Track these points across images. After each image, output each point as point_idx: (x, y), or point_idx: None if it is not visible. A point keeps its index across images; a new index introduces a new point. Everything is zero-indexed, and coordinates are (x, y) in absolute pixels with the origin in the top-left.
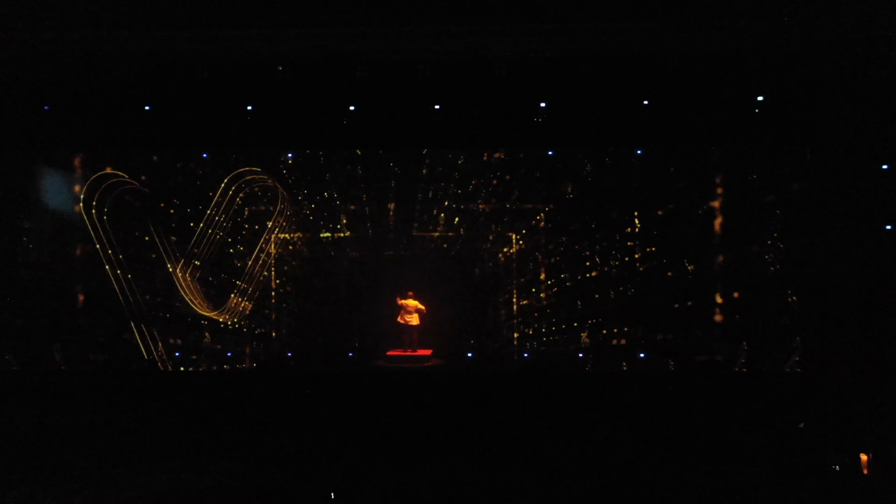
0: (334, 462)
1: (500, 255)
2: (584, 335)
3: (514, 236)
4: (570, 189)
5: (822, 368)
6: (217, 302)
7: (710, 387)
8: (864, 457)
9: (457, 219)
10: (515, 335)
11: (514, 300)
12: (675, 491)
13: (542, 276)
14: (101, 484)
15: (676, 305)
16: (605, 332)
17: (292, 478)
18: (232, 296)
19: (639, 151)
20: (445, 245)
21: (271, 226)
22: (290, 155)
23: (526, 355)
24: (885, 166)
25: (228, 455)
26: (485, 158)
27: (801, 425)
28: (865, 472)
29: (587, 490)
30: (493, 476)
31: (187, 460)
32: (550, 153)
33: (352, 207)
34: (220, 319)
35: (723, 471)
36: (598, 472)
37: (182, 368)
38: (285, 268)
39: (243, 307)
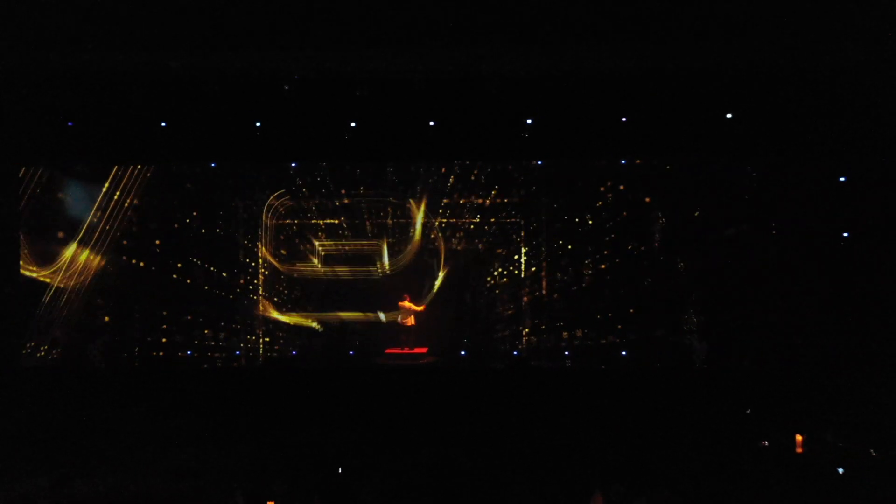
0: (339, 448)
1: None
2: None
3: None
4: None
5: (773, 363)
6: None
7: (678, 381)
8: (798, 437)
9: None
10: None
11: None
12: (644, 471)
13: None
14: (135, 464)
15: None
16: (584, 331)
17: (301, 461)
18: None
19: (623, 161)
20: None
21: None
22: (293, 164)
23: (515, 353)
24: (842, 178)
25: (246, 440)
26: (475, 173)
27: (748, 411)
28: (799, 450)
29: (568, 474)
30: (484, 462)
31: (213, 442)
32: (539, 162)
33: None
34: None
35: (689, 454)
36: (579, 458)
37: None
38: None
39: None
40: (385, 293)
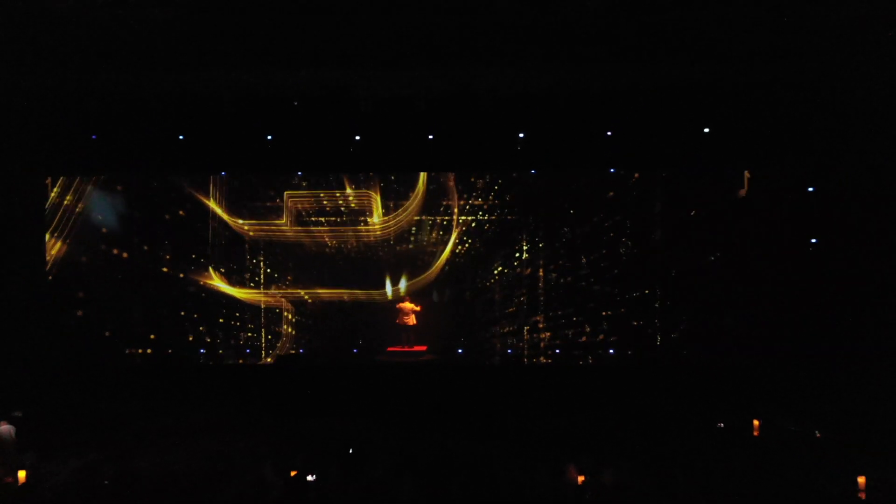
0: (349, 434)
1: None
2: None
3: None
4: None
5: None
6: None
7: (650, 373)
8: (756, 422)
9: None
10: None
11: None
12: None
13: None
14: (180, 446)
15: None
16: (571, 330)
17: (317, 443)
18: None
19: (612, 170)
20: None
21: None
22: (299, 173)
23: (510, 351)
24: (810, 188)
25: (267, 428)
26: (472, 180)
27: (720, 425)
28: (756, 433)
29: (551, 455)
30: (477, 448)
31: (239, 430)
32: (533, 171)
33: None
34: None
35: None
36: (560, 438)
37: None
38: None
39: None
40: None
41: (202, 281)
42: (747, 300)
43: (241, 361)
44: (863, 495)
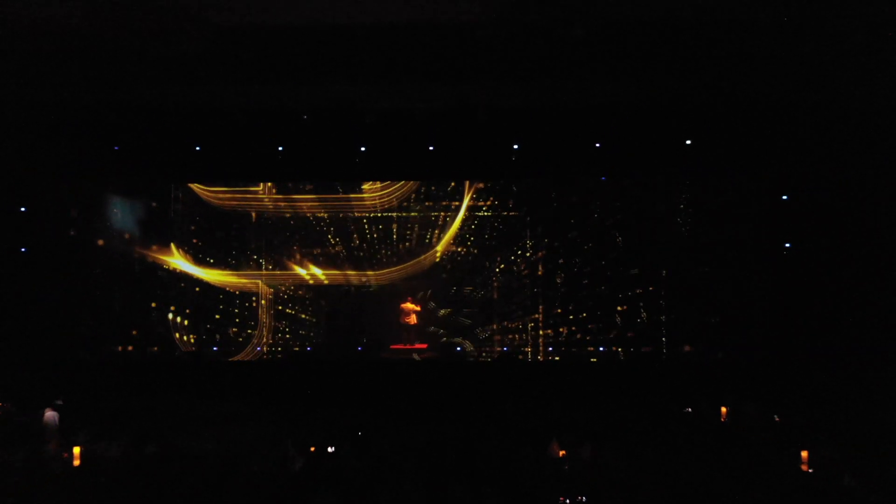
0: (354, 423)
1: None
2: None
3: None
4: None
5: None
6: None
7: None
8: (723, 409)
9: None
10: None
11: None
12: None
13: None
14: (208, 431)
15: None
16: (563, 329)
17: (319, 435)
18: None
19: (603, 178)
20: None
21: None
22: (308, 182)
23: (506, 349)
24: (784, 197)
25: (283, 417)
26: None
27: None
28: (723, 419)
29: (537, 436)
30: (471, 431)
31: (260, 419)
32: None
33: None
34: None
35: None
36: (545, 420)
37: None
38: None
39: None
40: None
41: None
42: (724, 301)
43: (263, 356)
44: (805, 467)
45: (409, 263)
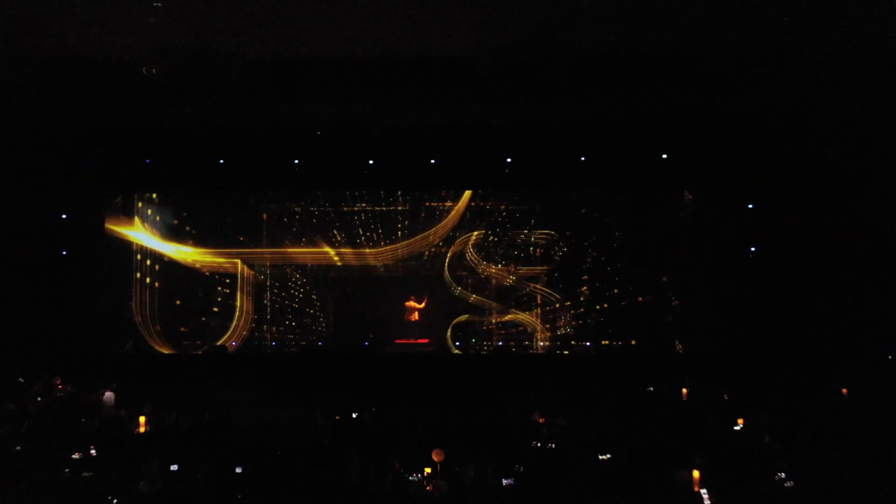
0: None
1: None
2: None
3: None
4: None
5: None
6: None
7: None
8: (684, 391)
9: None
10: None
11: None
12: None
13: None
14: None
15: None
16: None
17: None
18: None
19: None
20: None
21: None
22: (319, 193)
23: (500, 343)
24: (750, 206)
25: (304, 400)
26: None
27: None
28: (685, 398)
29: (523, 411)
30: (469, 420)
31: (285, 401)
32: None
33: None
34: None
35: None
36: (533, 403)
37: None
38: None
39: None
40: None
41: None
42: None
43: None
44: (737, 428)
45: (411, 240)
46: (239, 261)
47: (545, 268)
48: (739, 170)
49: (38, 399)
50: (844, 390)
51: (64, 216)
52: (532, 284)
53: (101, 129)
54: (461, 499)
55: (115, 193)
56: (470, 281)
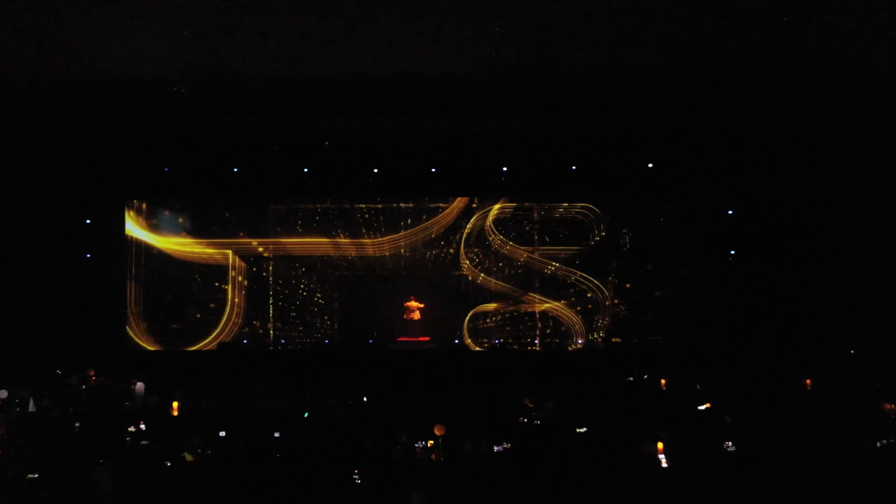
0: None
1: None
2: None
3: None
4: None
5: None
6: None
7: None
8: (663, 381)
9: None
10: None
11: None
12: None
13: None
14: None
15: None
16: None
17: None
18: None
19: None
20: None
21: None
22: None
23: (497, 341)
24: (730, 212)
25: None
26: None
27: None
28: (664, 388)
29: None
30: (466, 409)
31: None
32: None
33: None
34: None
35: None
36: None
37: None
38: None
39: None
40: None
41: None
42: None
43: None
44: (702, 410)
45: (414, 229)
46: (230, 251)
47: (581, 248)
48: (722, 179)
49: (83, 387)
50: (808, 381)
51: (88, 221)
52: (565, 267)
53: (122, 139)
54: (459, 464)
55: (136, 199)
56: (487, 264)
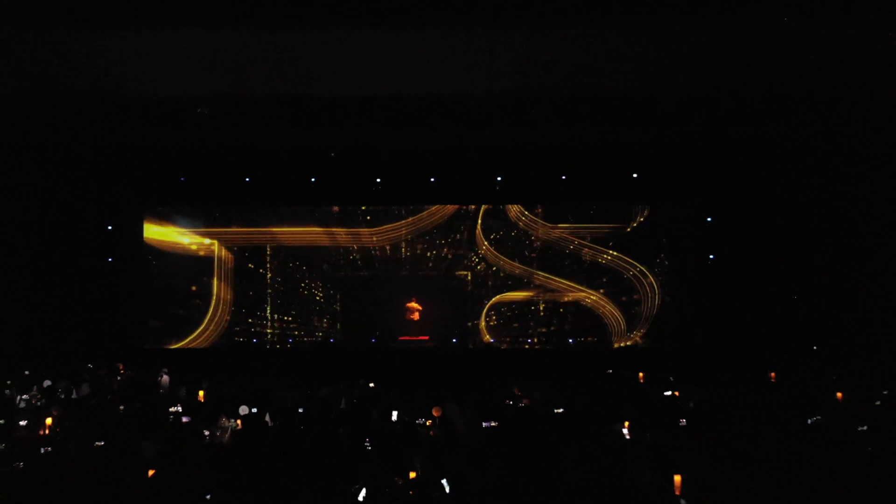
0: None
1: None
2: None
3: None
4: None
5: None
6: None
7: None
8: (641, 375)
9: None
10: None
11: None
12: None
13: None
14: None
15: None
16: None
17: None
18: None
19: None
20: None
21: None
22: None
23: (492, 340)
24: (709, 219)
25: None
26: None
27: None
28: (641, 381)
29: (518, 411)
30: (460, 392)
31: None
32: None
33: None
34: None
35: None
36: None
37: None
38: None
39: None
40: None
41: None
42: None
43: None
44: (677, 395)
45: (412, 218)
46: (216, 241)
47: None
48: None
49: (118, 378)
50: (773, 374)
51: (109, 227)
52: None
53: (141, 153)
54: (453, 437)
55: (154, 207)
56: (509, 245)
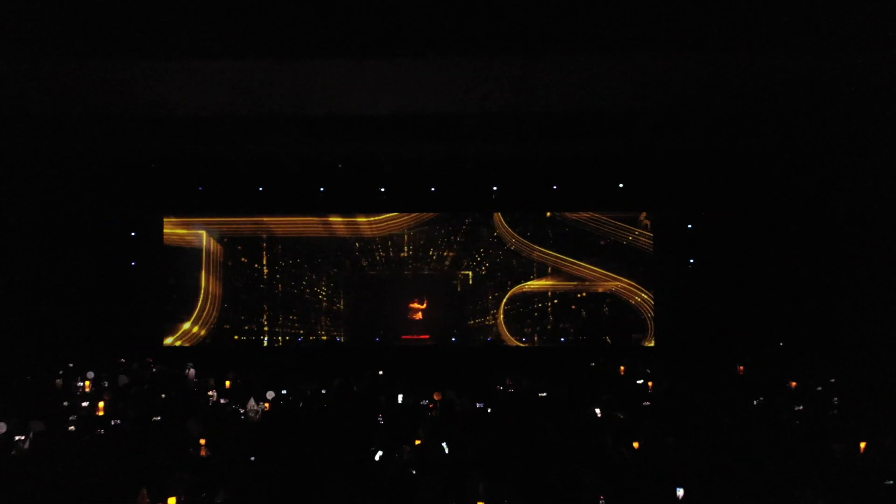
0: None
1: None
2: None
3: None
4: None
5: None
6: None
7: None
8: (622, 367)
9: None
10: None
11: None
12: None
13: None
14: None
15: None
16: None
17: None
18: None
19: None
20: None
21: None
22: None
23: (489, 339)
24: (689, 226)
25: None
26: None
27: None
28: (622, 373)
29: (515, 407)
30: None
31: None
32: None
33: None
34: None
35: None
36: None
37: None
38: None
39: None
40: None
41: None
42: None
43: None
44: (650, 385)
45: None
46: (204, 232)
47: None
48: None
49: (152, 370)
50: (741, 368)
51: (133, 234)
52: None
53: (161, 165)
54: (451, 416)
55: (173, 215)
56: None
